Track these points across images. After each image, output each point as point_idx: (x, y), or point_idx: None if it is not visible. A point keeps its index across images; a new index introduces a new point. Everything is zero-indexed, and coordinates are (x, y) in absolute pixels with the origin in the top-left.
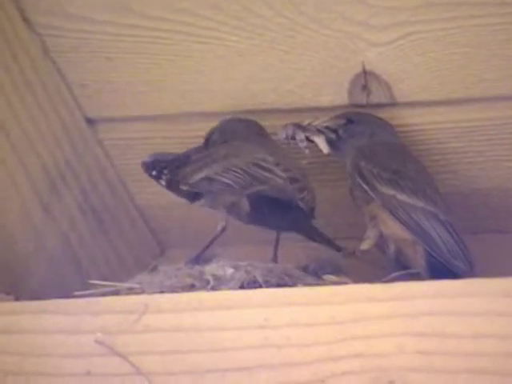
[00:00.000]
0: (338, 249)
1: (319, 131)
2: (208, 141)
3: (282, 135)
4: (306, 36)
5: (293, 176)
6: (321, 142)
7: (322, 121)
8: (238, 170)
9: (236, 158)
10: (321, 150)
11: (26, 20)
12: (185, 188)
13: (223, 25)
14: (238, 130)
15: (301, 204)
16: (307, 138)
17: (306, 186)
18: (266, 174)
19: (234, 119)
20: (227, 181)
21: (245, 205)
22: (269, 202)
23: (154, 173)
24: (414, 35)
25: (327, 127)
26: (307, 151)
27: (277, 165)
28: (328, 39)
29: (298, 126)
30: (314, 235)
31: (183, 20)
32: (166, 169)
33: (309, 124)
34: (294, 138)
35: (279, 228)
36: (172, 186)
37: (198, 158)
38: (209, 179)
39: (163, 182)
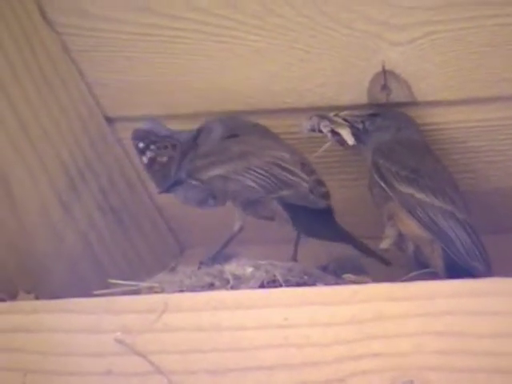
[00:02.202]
0: (386, 262)
1: (346, 121)
2: (201, 134)
3: (306, 127)
4: (327, 35)
5: (318, 178)
6: (346, 134)
7: (349, 112)
8: (261, 171)
9: (254, 157)
10: (339, 148)
11: (46, 19)
12: (194, 183)
13: (243, 24)
14: (245, 126)
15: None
16: (332, 130)
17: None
18: (291, 176)
19: (235, 117)
20: (251, 183)
21: (278, 209)
22: (300, 208)
23: (140, 145)
24: (434, 35)
25: (356, 116)
26: (331, 143)
27: (298, 165)
28: (348, 39)
29: (323, 117)
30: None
31: (203, 19)
32: (154, 144)
33: (335, 115)
34: (319, 129)
35: (313, 234)
36: (152, 166)
37: (208, 151)
38: (224, 178)
39: (145, 159)
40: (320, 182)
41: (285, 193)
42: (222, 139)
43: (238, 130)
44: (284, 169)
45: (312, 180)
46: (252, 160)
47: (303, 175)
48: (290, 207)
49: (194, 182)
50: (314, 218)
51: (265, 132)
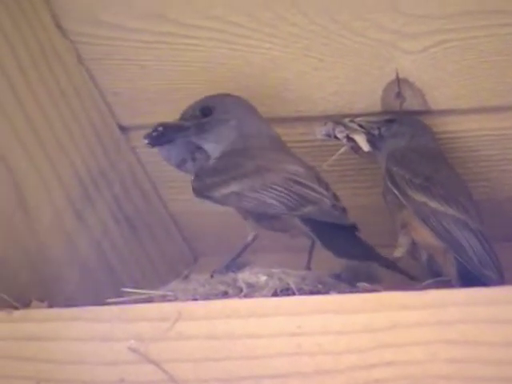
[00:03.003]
0: (412, 278)
1: (361, 127)
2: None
3: (321, 132)
4: (340, 44)
5: (334, 193)
6: (361, 140)
7: (364, 118)
8: (280, 188)
9: (268, 172)
10: (353, 156)
11: (59, 27)
12: (208, 200)
13: (257, 32)
14: (258, 134)
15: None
16: (347, 136)
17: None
18: (312, 193)
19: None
20: (271, 200)
21: (299, 226)
22: (323, 225)
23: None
24: (448, 43)
25: (371, 122)
26: (346, 148)
27: (314, 180)
28: (361, 47)
29: (339, 123)
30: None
31: (217, 27)
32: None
33: (350, 121)
34: (334, 135)
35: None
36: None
37: (218, 168)
38: (238, 195)
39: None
40: (336, 197)
41: (308, 210)
42: (232, 152)
43: (248, 141)
44: (303, 185)
45: (331, 195)
46: (267, 176)
47: (323, 191)
48: (312, 223)
49: (208, 195)
50: (340, 235)
51: (275, 142)
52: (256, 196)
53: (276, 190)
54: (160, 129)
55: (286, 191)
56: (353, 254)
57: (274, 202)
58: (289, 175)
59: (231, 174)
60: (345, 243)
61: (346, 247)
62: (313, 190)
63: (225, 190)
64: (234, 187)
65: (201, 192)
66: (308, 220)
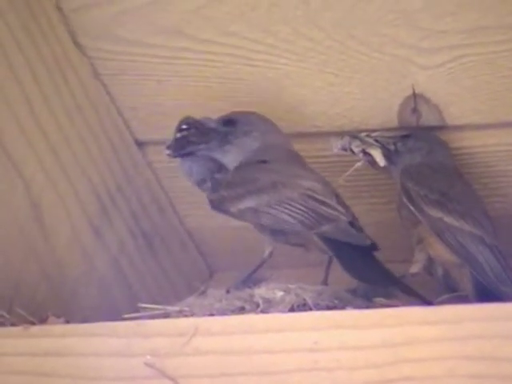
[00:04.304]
0: (428, 303)
1: (377, 142)
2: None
3: (337, 146)
4: (356, 59)
5: (351, 211)
6: (377, 155)
7: (381, 132)
8: (296, 205)
9: (285, 188)
10: (369, 171)
11: (76, 43)
12: (224, 213)
13: (273, 48)
14: (272, 147)
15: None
16: (363, 151)
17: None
18: (329, 210)
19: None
20: (287, 217)
21: (318, 243)
22: (342, 244)
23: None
24: (465, 58)
25: (387, 137)
26: (362, 163)
27: (332, 197)
28: (378, 62)
29: (355, 137)
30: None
31: (233, 43)
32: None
33: (367, 135)
34: (350, 149)
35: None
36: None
37: (233, 181)
38: (255, 210)
39: (178, 135)
40: (354, 215)
41: (325, 228)
42: (250, 164)
43: (267, 154)
44: (320, 201)
45: (349, 213)
46: (284, 191)
47: (339, 207)
48: (329, 241)
49: (223, 208)
50: (357, 256)
51: (294, 156)
52: (272, 212)
53: (292, 206)
54: (184, 132)
55: (302, 208)
56: (370, 278)
57: (290, 218)
58: (305, 191)
59: (247, 188)
60: (362, 266)
61: (363, 270)
62: (329, 206)
63: (241, 205)
64: (250, 202)
65: (217, 205)
66: (325, 237)
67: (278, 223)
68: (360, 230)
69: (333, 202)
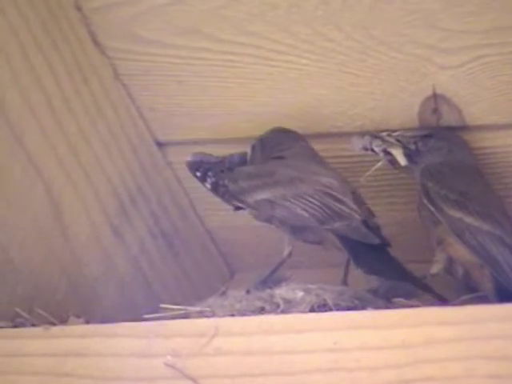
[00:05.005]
0: (443, 299)
1: (398, 141)
2: (253, 151)
3: (358, 145)
4: (377, 59)
5: (368, 208)
6: (398, 154)
7: (402, 132)
8: (311, 200)
9: (302, 183)
10: (389, 171)
11: (96, 44)
12: (240, 204)
13: (293, 48)
14: (283, 142)
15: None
16: (384, 150)
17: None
18: (343, 207)
19: (278, 130)
20: (301, 211)
21: (332, 239)
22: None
23: (198, 174)
24: (485, 58)
25: (409, 136)
26: (383, 162)
27: (348, 194)
28: (398, 62)
29: (376, 137)
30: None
31: (254, 43)
32: (211, 171)
33: (388, 135)
34: (371, 148)
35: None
36: (217, 189)
37: (252, 173)
38: (271, 202)
39: (208, 185)
40: (371, 213)
41: (338, 225)
42: (265, 159)
43: (283, 150)
44: (335, 198)
45: (364, 211)
46: (300, 186)
47: (355, 206)
48: (343, 238)
49: (237, 203)
50: (371, 252)
51: (309, 153)
52: (287, 204)
53: (307, 200)
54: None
55: (317, 203)
56: (382, 273)
57: (304, 212)
58: (322, 187)
59: (265, 180)
60: (375, 261)
61: (376, 265)
62: (344, 204)
63: (257, 196)
64: (266, 194)
65: (235, 195)
66: (341, 235)
67: (292, 216)
68: (375, 228)
69: (348, 200)
